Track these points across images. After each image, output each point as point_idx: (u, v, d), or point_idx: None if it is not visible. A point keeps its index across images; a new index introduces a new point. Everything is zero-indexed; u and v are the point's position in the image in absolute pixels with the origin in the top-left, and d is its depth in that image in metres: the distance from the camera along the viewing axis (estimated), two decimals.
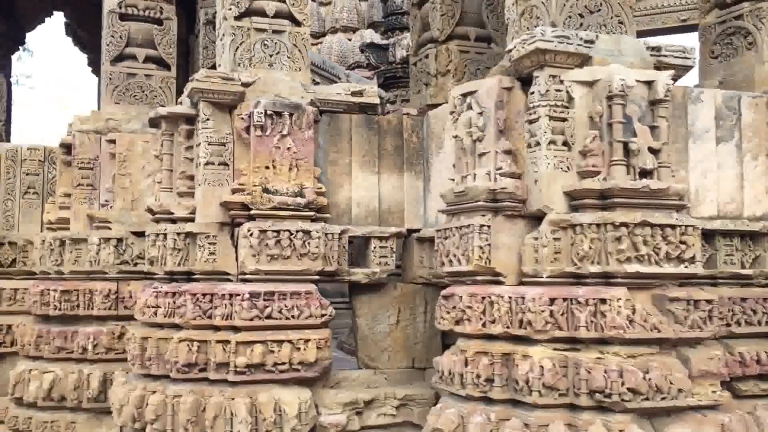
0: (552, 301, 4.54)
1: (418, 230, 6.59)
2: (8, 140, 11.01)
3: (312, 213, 6.03)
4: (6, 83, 11.37)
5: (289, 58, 6.52)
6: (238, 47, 6.40)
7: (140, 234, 7.44)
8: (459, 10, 7.23)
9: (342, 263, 6.14)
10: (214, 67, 8.43)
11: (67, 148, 7.73)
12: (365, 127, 6.51)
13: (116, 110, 7.86)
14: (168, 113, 6.25)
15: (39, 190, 8.33)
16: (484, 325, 4.83)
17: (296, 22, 6.57)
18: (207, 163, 6.02)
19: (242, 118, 6.04)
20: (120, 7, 7.97)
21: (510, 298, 4.71)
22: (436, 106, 7.18)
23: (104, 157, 7.61)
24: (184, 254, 6.06)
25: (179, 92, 8.30)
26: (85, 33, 12.16)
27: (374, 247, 6.38)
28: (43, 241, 7.59)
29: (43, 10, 11.86)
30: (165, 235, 6.15)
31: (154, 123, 6.63)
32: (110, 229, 7.39)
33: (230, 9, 6.39)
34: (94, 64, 13.03)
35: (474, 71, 7.21)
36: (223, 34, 6.58)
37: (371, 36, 17.86)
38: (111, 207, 7.47)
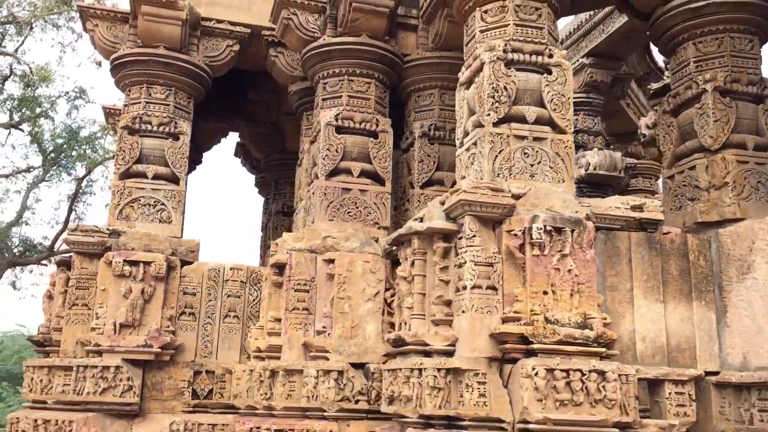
0: None
1: (714, 372, 5.42)
2: None
3: (602, 349, 5.00)
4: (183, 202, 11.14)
5: (551, 168, 5.73)
6: (496, 156, 5.67)
7: (359, 366, 6.59)
8: (734, 116, 6.31)
9: (635, 413, 5.01)
10: (431, 183, 7.82)
11: (279, 268, 7.08)
12: (646, 246, 5.55)
13: (330, 227, 7.21)
14: (425, 229, 5.49)
15: (240, 313, 7.69)
16: None
17: (558, 129, 5.82)
18: (474, 287, 5.15)
19: (515, 235, 5.19)
20: (336, 120, 7.49)
21: None
22: (709, 224, 6.16)
23: (320, 279, 6.90)
24: (444, 394, 5.11)
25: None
26: (261, 153, 11.96)
27: (668, 393, 5.25)
28: (251, 371, 6.83)
29: (221, 131, 11.76)
30: (420, 370, 5.23)
31: (399, 241, 5.88)
32: (328, 359, 6.56)
33: (488, 114, 5.71)
34: (262, 185, 12.80)
35: (755, 184, 6.18)
36: (473, 143, 5.90)
37: None
38: (329, 334, 6.66)
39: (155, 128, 8.05)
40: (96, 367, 6.81)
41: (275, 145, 11.68)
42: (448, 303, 5.42)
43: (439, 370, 5.12)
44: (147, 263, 7.23)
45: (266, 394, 6.71)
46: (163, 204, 7.88)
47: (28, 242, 22.62)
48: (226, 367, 7.41)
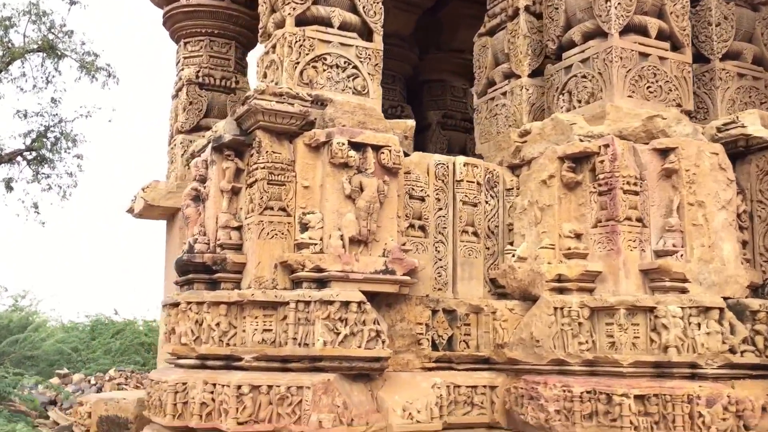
0: None
1: None
2: None
3: None
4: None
5: None
6: None
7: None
8: None
9: None
10: (728, 55, 5.78)
11: (575, 161, 4.86)
12: None
13: (634, 106, 5.05)
14: None
15: (479, 228, 5.33)
16: None
17: None
18: None
19: None
20: None
21: None
22: None
23: (651, 177, 4.75)
24: None
25: None
26: None
27: None
28: (556, 309, 4.61)
29: None
30: None
31: None
32: (686, 291, 4.49)
33: None
34: None
35: None
36: None
37: None
38: (681, 255, 4.57)
39: None
40: (331, 303, 4.31)
41: None
42: None
43: None
44: (377, 148, 4.74)
45: (586, 343, 4.55)
46: (355, 67, 5.32)
47: None
48: (473, 305, 5.11)
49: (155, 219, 8.38)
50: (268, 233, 4.58)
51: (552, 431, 4.47)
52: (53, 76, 17.89)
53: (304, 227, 4.61)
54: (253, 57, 8.02)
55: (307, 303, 4.35)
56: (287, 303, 4.37)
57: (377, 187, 4.65)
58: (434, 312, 5.04)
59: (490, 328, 5.05)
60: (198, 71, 8.03)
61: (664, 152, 4.76)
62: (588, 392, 4.38)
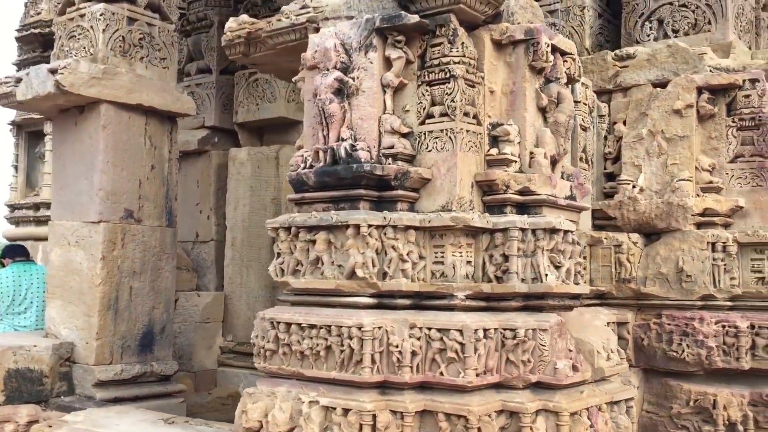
0: None
1: None
2: None
3: None
4: None
5: None
6: None
7: None
8: None
9: None
10: None
11: (711, 92, 4.69)
12: None
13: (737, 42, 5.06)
14: None
15: (588, 155, 4.79)
16: None
17: None
18: None
19: None
20: None
21: None
22: None
23: None
24: None
25: None
26: None
27: None
28: (708, 244, 4.45)
29: None
30: None
31: None
32: None
33: None
34: None
35: None
36: None
37: None
38: None
39: None
40: (556, 231, 3.66)
41: None
42: None
43: None
44: (563, 54, 4.10)
45: (737, 278, 4.55)
46: None
47: None
48: (594, 236, 4.77)
49: (44, 113, 6.47)
50: (466, 144, 3.73)
51: (712, 366, 4.43)
52: None
53: (495, 140, 3.85)
54: None
55: (524, 231, 3.66)
56: (504, 230, 3.62)
57: (572, 99, 4.04)
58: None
59: (610, 262, 4.80)
60: None
61: None
62: (749, 327, 4.41)
